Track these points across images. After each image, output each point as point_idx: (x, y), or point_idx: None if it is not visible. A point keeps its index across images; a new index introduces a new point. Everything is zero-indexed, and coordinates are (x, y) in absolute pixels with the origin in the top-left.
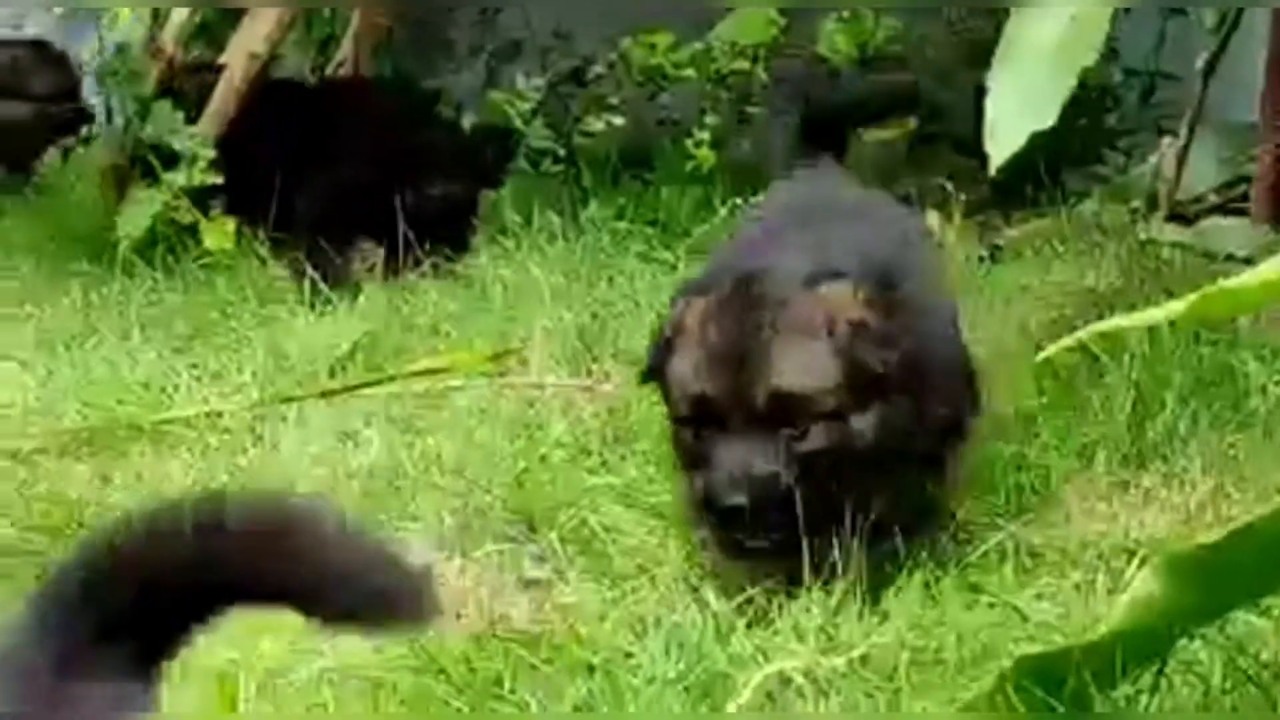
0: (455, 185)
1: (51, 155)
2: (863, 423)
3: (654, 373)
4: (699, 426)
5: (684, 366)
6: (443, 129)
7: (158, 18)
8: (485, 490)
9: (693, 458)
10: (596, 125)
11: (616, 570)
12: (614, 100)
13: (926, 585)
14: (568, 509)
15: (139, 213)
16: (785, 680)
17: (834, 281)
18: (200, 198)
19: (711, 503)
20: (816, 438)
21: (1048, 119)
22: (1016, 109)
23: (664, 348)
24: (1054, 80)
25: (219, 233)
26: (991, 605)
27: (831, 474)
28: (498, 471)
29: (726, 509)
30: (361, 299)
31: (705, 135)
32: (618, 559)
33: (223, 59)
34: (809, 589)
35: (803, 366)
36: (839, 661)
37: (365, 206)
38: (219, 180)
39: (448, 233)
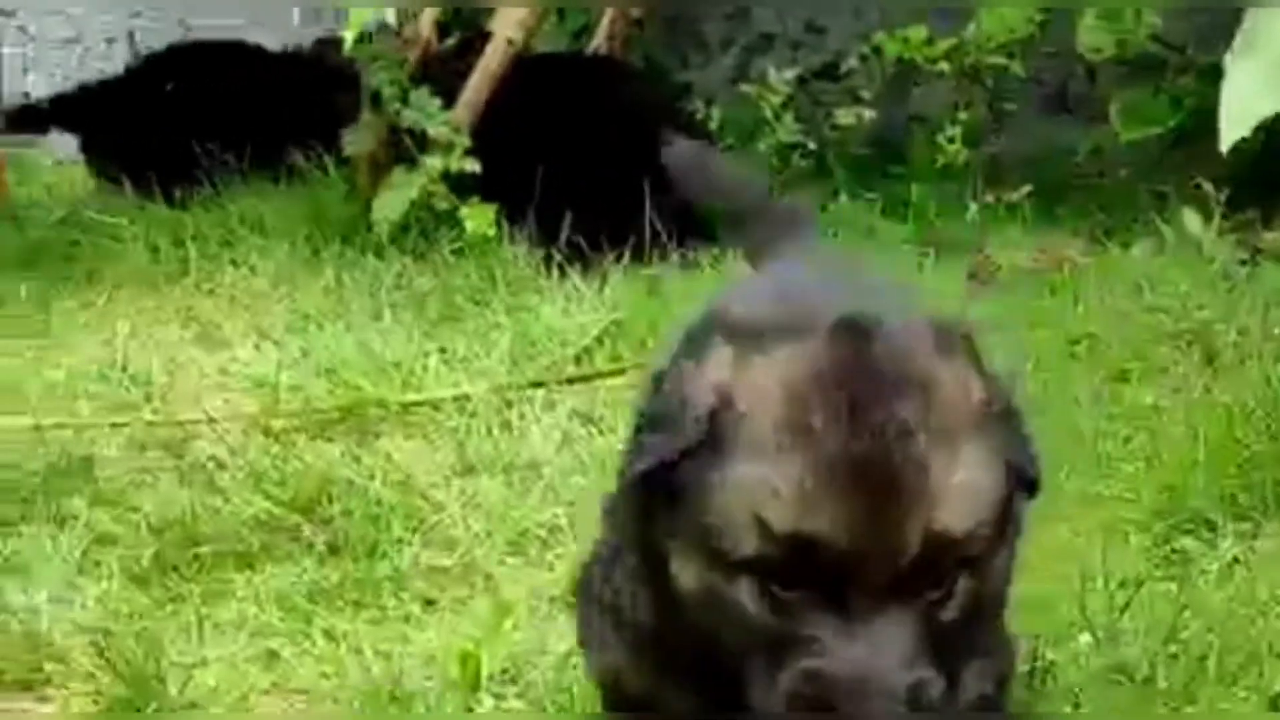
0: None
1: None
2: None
3: (666, 476)
4: (787, 583)
5: (759, 475)
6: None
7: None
8: None
9: (766, 637)
10: (847, 119)
11: None
12: (865, 94)
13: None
14: None
15: (396, 198)
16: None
17: (962, 337)
18: (457, 184)
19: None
20: (961, 598)
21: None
22: (1250, 94)
23: (697, 434)
24: None
25: (481, 219)
26: None
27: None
28: None
29: None
30: (609, 288)
31: (957, 131)
32: None
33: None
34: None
35: (974, 487)
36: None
37: (615, 197)
38: (476, 168)
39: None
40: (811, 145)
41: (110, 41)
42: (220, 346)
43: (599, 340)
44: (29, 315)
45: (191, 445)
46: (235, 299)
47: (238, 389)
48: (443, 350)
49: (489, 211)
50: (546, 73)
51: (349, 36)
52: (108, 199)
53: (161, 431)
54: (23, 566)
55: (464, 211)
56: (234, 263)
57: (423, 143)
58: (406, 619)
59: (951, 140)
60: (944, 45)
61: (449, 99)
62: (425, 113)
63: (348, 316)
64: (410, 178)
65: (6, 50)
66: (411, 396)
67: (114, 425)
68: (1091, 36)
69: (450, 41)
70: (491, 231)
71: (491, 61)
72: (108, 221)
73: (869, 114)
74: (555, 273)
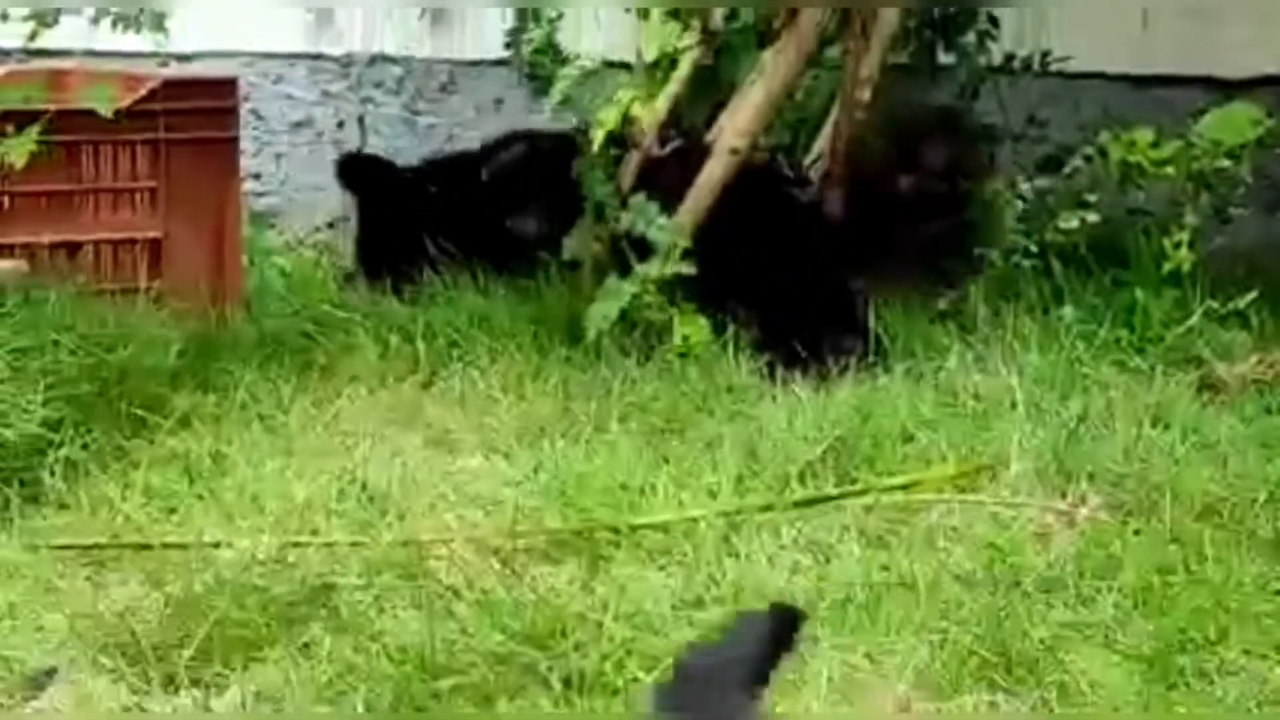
0: None
1: None
2: None
3: None
4: None
5: None
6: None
7: (635, 108)
8: (960, 625)
9: None
10: (1070, 222)
11: None
12: (1090, 197)
13: None
14: (1043, 649)
15: (608, 304)
16: None
17: None
18: (673, 289)
19: None
20: None
21: None
22: None
23: None
24: None
25: (693, 328)
26: None
27: None
28: (973, 601)
29: None
30: (834, 399)
31: (1184, 235)
32: (1097, 708)
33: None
34: None
35: None
36: None
37: (837, 305)
38: (690, 271)
39: None
40: (1033, 248)
41: (341, 125)
42: (450, 454)
43: (823, 456)
44: (269, 416)
45: (427, 567)
46: (465, 401)
47: (470, 505)
48: (666, 460)
49: (702, 321)
50: (763, 183)
51: (597, 140)
52: (340, 290)
53: (398, 553)
54: (272, 696)
55: (676, 321)
56: (463, 362)
57: (642, 248)
58: None
59: (1178, 245)
60: (1170, 148)
61: (669, 206)
62: (645, 218)
63: (576, 426)
64: (623, 285)
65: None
66: (641, 520)
67: (353, 545)
68: None
69: (672, 146)
70: (705, 339)
71: (715, 170)
72: (340, 316)
73: (1092, 216)
74: (778, 381)
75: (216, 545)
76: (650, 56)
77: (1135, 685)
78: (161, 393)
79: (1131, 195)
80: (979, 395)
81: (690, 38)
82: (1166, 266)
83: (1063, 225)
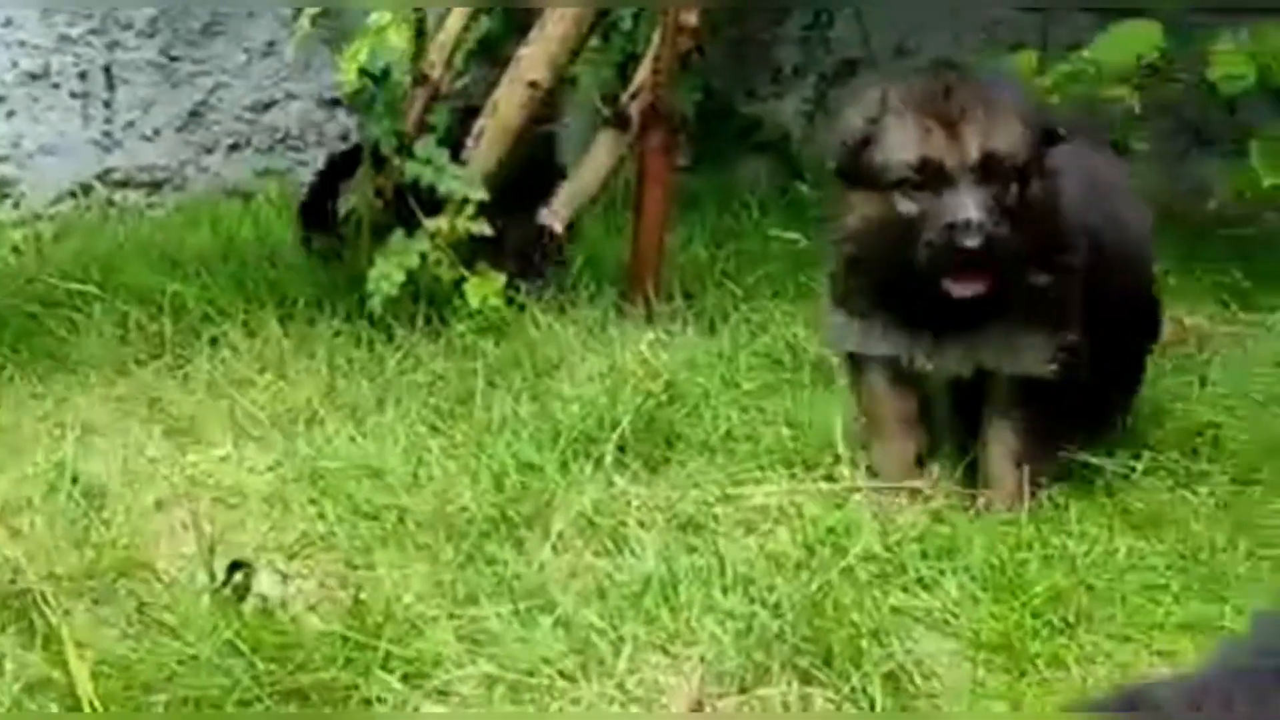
0: None
1: None
2: None
3: None
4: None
5: None
6: None
7: (422, 36)
8: (775, 612)
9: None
10: None
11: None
12: None
13: None
14: (872, 638)
15: (393, 266)
16: None
17: None
18: (467, 249)
19: None
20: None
21: None
22: None
23: None
24: None
25: (486, 289)
26: None
27: None
28: (793, 588)
29: None
30: (656, 357)
31: None
32: (930, 700)
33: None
34: None
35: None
36: None
37: None
38: (486, 231)
39: None
40: None
41: (84, 75)
42: (191, 446)
43: (641, 426)
44: None
45: (142, 571)
46: (214, 386)
47: (206, 498)
48: (452, 445)
49: (497, 280)
50: None
51: (347, 77)
52: (77, 262)
53: (110, 554)
54: None
55: (468, 282)
56: (214, 342)
57: (433, 201)
58: None
59: None
60: (1058, 72)
61: (463, 148)
62: (432, 166)
63: (342, 410)
64: (409, 243)
65: None
66: (405, 500)
67: (57, 548)
68: (1227, 63)
69: (464, 81)
70: (499, 303)
71: (513, 106)
72: (73, 289)
73: None
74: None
75: None
76: None
77: (976, 674)
78: None
79: None
80: (816, 363)
81: None
82: None
83: None
